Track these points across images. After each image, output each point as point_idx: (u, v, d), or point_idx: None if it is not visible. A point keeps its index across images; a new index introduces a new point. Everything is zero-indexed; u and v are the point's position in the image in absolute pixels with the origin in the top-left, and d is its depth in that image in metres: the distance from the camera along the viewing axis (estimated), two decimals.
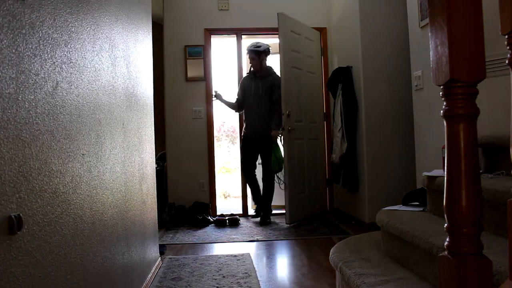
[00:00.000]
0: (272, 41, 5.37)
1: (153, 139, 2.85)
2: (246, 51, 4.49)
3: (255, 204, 4.67)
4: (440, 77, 0.93)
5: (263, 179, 4.37)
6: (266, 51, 4.32)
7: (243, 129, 4.51)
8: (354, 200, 4.27)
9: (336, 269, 2.01)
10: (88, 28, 1.54)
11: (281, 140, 4.28)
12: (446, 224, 0.94)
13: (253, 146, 4.36)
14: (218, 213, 4.67)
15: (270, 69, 4.40)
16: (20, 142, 1.02)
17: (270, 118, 4.28)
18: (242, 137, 4.52)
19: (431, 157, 2.82)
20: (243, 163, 4.50)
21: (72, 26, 1.37)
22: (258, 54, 4.30)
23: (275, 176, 4.38)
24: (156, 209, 2.87)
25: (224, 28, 4.86)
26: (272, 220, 4.33)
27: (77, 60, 1.40)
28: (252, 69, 4.43)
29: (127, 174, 2.07)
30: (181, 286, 2.45)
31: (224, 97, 4.52)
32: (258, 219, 4.35)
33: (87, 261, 1.46)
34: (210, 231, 4.04)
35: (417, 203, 2.27)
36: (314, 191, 4.62)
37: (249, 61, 4.44)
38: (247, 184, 4.60)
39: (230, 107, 4.59)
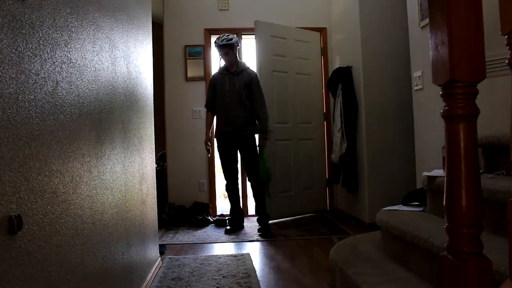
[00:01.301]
0: None
1: (153, 139, 2.85)
2: (215, 46, 3.97)
3: (231, 217, 4.13)
4: (440, 77, 0.93)
5: (252, 186, 3.97)
6: (238, 44, 3.97)
7: (215, 133, 4.01)
8: (354, 200, 4.27)
9: (336, 269, 2.01)
10: (88, 28, 1.54)
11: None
12: (446, 224, 0.94)
13: (231, 148, 3.93)
14: (218, 213, 4.67)
15: (244, 63, 4.03)
16: (20, 142, 1.02)
17: (250, 115, 3.91)
18: (216, 142, 4.03)
19: (431, 157, 2.82)
20: (224, 172, 4.00)
21: (72, 26, 1.37)
22: (232, 48, 3.89)
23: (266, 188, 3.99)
24: (156, 209, 2.87)
25: (224, 28, 4.85)
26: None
27: (77, 60, 1.40)
28: (224, 64, 4.00)
29: (127, 174, 2.07)
30: (181, 286, 2.45)
31: (206, 134, 4.05)
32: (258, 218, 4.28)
33: (87, 261, 1.46)
34: (210, 231, 4.04)
35: (417, 203, 2.27)
36: (305, 191, 4.63)
37: (221, 57, 3.98)
38: (228, 198, 4.11)
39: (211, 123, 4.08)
